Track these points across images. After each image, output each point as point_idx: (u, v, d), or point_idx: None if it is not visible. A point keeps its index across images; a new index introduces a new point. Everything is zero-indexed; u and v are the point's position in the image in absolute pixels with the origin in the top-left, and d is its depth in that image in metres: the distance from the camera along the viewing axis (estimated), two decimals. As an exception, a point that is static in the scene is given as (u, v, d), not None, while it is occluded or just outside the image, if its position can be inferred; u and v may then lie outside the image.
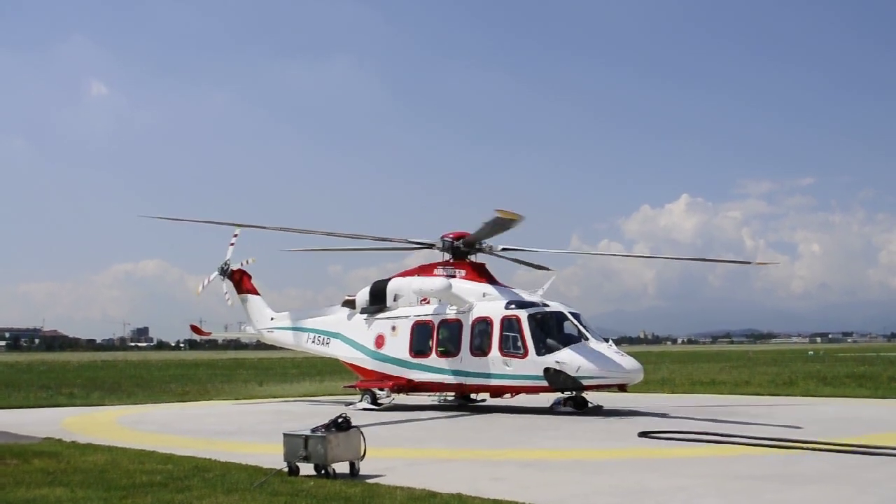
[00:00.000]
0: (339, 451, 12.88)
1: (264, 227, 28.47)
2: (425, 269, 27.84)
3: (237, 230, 32.21)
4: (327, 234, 27.87)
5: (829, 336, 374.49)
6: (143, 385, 41.83)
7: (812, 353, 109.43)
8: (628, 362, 23.75)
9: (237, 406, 29.70)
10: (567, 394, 24.68)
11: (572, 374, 23.60)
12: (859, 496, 11.24)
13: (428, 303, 27.10)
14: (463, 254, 27.60)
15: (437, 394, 28.00)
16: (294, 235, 28.29)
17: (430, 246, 28.09)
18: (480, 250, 27.81)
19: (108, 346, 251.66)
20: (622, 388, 24.63)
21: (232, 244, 32.86)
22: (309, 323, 30.85)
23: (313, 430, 12.96)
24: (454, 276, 26.73)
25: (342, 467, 12.99)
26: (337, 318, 29.75)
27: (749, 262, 28.52)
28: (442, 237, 27.77)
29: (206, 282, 33.05)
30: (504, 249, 28.06)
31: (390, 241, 28.10)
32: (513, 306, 25.23)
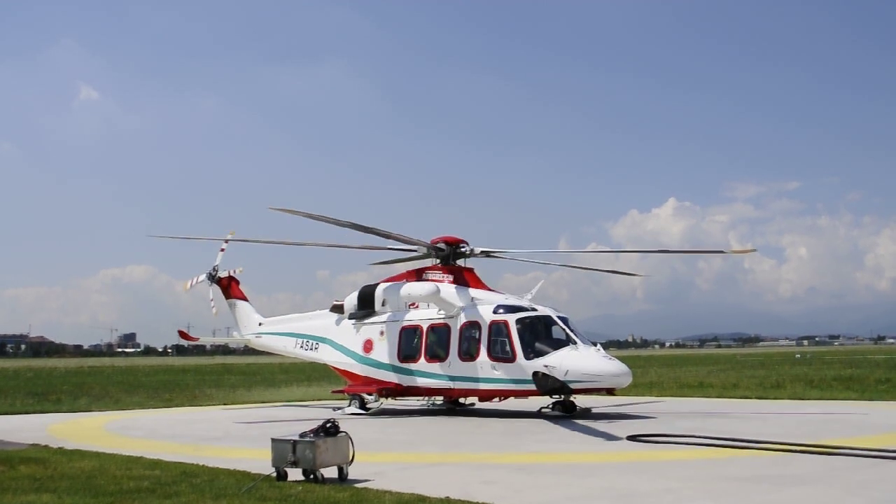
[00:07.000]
0: (327, 456, 12.85)
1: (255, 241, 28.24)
2: (414, 274, 27.81)
3: (228, 236, 32.13)
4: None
5: (817, 339, 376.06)
6: (131, 391, 41.60)
7: (799, 356, 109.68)
8: (616, 366, 23.75)
9: (225, 411, 29.56)
10: (555, 397, 24.70)
11: (561, 377, 23.59)
12: (848, 497, 11.27)
13: (416, 308, 27.05)
14: (451, 258, 27.59)
15: (426, 398, 27.99)
16: (284, 237, 28.15)
17: (420, 250, 28.04)
18: (469, 255, 27.80)
19: (96, 351, 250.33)
20: (610, 391, 24.61)
21: (222, 250, 32.80)
22: (297, 328, 30.79)
23: (302, 435, 12.92)
24: (442, 281, 26.71)
25: (331, 472, 12.96)
26: (325, 324, 29.67)
27: (722, 252, 28.59)
28: (431, 241, 27.75)
29: (195, 280, 32.99)
30: (490, 254, 28.05)
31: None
32: (501, 311, 25.21)
